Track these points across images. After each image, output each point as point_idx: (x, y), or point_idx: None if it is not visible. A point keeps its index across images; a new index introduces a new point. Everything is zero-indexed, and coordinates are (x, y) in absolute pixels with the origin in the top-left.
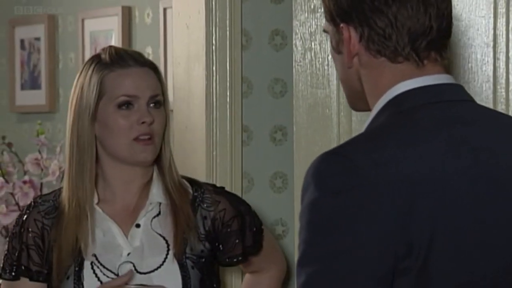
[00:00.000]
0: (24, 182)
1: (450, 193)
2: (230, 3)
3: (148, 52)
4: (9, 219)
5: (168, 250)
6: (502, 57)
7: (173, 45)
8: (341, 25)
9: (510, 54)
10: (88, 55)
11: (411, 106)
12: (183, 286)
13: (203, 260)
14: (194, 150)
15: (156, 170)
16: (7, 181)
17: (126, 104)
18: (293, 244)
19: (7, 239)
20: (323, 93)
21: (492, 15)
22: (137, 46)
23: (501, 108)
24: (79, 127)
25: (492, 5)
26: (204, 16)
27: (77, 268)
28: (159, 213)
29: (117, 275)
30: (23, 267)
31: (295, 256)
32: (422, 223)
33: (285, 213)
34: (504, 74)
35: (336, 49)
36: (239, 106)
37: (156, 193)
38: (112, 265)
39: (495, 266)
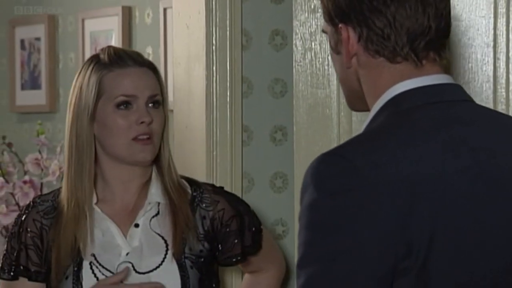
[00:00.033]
0: (24, 182)
1: (450, 193)
2: (230, 3)
3: (148, 52)
4: (9, 219)
5: (167, 250)
6: (502, 57)
7: (173, 45)
8: (340, 25)
9: (510, 54)
10: (88, 55)
11: (409, 107)
12: (182, 286)
13: (202, 260)
14: (194, 150)
15: (155, 170)
16: (7, 181)
17: (125, 104)
18: (293, 244)
19: (7, 239)
20: (323, 93)
21: (492, 15)
22: (137, 46)
23: (501, 108)
24: (78, 127)
25: (492, 5)
26: (204, 16)
27: (76, 268)
28: (158, 213)
29: None
30: (21, 267)
31: (295, 257)
32: (422, 223)
33: (285, 213)
34: (504, 74)
35: (335, 50)
36: (239, 106)
37: (155, 193)
38: (111, 265)
39: (495, 266)
